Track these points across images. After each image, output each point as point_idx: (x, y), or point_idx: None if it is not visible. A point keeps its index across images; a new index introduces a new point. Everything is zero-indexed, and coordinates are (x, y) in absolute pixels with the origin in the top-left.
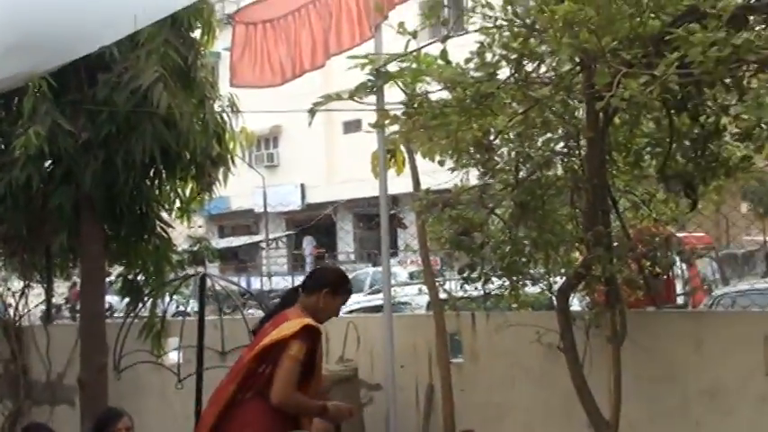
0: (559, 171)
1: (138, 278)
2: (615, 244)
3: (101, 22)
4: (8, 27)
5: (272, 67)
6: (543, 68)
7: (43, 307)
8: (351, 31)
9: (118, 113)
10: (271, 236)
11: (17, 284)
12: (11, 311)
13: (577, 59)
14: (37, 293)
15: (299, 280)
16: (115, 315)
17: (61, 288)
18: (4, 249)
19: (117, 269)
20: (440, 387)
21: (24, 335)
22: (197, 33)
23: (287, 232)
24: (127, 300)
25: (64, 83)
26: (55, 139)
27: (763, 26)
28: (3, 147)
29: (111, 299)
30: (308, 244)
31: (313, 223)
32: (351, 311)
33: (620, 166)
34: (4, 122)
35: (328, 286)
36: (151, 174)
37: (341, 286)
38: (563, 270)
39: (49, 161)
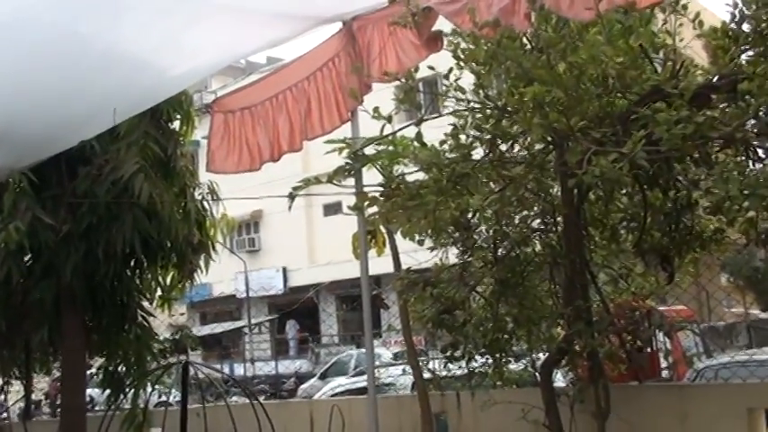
0: (537, 247)
1: (120, 369)
2: (595, 318)
3: (81, 117)
4: None
5: (251, 151)
6: (516, 148)
7: (22, 403)
8: (328, 115)
9: (99, 205)
10: (253, 321)
11: None
12: None
13: (549, 138)
14: (16, 390)
15: (283, 365)
16: (96, 408)
17: (41, 383)
18: None
19: (98, 361)
20: None
21: None
22: (176, 124)
23: (269, 317)
24: (108, 392)
25: (44, 177)
26: (35, 234)
27: (726, 104)
28: None
29: (92, 391)
30: (292, 328)
31: (295, 307)
32: (335, 394)
33: (597, 241)
34: None
35: None
36: (132, 263)
37: None
38: (545, 346)
39: (29, 255)
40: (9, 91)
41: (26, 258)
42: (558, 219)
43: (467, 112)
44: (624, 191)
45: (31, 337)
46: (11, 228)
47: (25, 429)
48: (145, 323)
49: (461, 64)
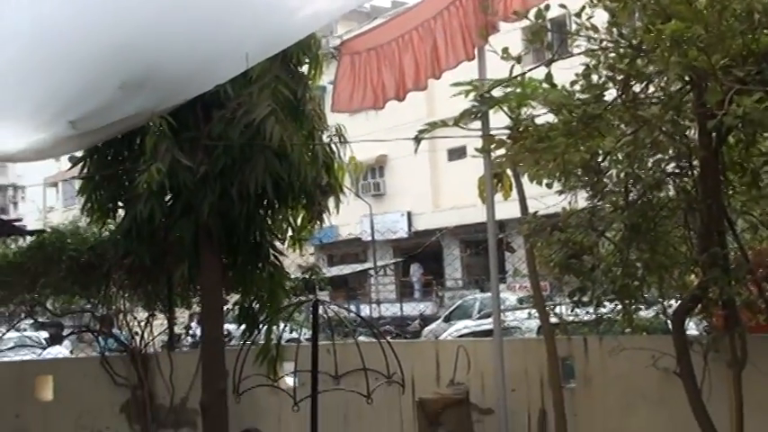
0: (671, 192)
1: (254, 305)
2: (733, 266)
3: (216, 61)
4: (131, 65)
5: (375, 90)
6: (651, 88)
7: (166, 335)
8: (454, 53)
9: (232, 147)
10: (379, 263)
11: (142, 314)
12: (137, 340)
13: (687, 78)
14: (159, 323)
15: (407, 307)
16: (232, 342)
17: (181, 318)
18: (129, 281)
19: (234, 297)
20: (552, 412)
21: (149, 362)
22: (305, 68)
23: (394, 260)
24: (243, 326)
25: (182, 121)
26: (175, 174)
27: None
28: (127, 183)
29: (229, 326)
30: (416, 271)
31: (420, 251)
32: (460, 336)
33: (736, 186)
34: (128, 160)
35: None
36: (264, 204)
37: None
38: (678, 293)
39: (170, 195)
40: (151, 36)
41: (167, 198)
42: (695, 162)
43: (599, 52)
44: (767, 133)
45: (173, 272)
46: (153, 169)
47: (169, 359)
48: (277, 262)
49: (594, 2)
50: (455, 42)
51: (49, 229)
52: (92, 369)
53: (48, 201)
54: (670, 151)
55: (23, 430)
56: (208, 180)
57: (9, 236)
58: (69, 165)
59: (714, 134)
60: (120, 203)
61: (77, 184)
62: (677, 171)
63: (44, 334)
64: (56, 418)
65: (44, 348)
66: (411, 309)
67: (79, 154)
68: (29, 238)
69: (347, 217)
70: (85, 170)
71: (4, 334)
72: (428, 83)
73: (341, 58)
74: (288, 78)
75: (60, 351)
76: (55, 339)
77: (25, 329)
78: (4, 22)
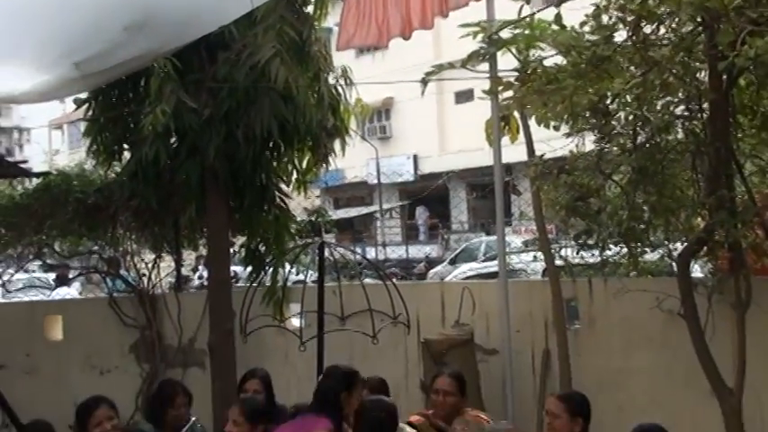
0: (680, 135)
1: (260, 247)
2: (739, 209)
3: (219, 2)
4: (136, 6)
5: (380, 27)
6: (662, 30)
7: (173, 276)
8: None
9: (238, 89)
10: (385, 206)
11: (149, 256)
12: (144, 281)
13: (699, 19)
14: (166, 265)
15: (413, 249)
16: (239, 284)
17: (188, 260)
18: (136, 222)
19: (240, 239)
20: (556, 352)
21: (157, 303)
22: (310, 9)
23: (400, 203)
24: (250, 268)
25: (187, 62)
26: (180, 117)
27: None
28: (132, 125)
29: (235, 268)
30: (422, 214)
31: (426, 194)
32: (465, 278)
33: (746, 130)
34: (133, 102)
35: None
36: (270, 146)
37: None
38: (684, 236)
39: (175, 137)
40: None
41: (172, 140)
42: (704, 105)
43: None
44: None
45: (179, 215)
46: (158, 111)
47: (177, 300)
48: (283, 204)
49: None
50: None
51: (54, 172)
52: (100, 310)
53: (53, 143)
54: (680, 93)
55: (34, 369)
56: (213, 122)
57: (15, 177)
58: (74, 107)
59: (725, 76)
60: (125, 145)
61: (83, 126)
62: (686, 114)
63: (53, 275)
64: (66, 357)
65: (53, 289)
66: (417, 251)
67: (84, 96)
68: (35, 180)
69: (353, 160)
70: (90, 112)
71: (12, 275)
72: (435, 22)
73: None
74: (293, 19)
75: (68, 292)
76: (62, 281)
77: (34, 271)
78: None
